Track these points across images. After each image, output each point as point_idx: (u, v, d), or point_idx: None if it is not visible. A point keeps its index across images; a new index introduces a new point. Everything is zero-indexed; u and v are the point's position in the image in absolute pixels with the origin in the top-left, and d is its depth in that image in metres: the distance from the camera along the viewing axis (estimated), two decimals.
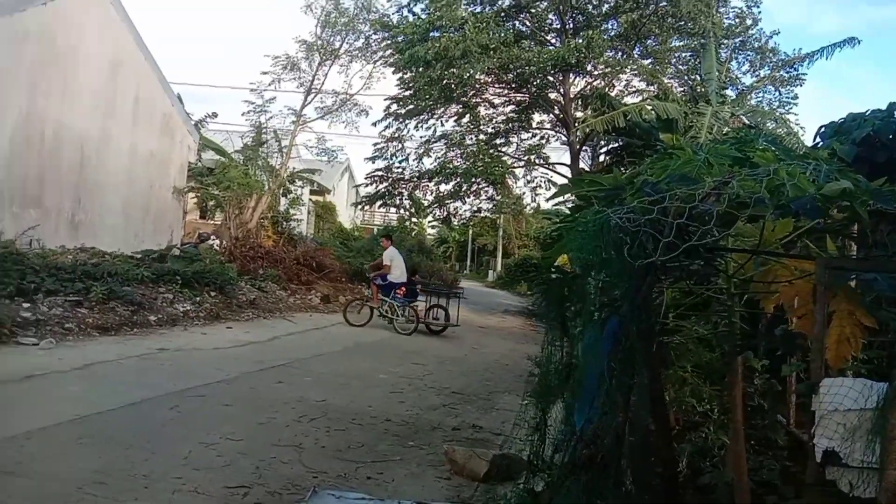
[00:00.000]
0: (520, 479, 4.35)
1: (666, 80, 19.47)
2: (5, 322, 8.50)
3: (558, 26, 21.47)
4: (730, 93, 18.68)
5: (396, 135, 23.24)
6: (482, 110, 23.40)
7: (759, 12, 20.68)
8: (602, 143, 21.45)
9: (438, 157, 23.34)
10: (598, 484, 3.31)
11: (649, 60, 20.63)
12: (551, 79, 21.38)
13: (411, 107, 22.17)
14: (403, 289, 14.02)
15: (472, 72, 18.40)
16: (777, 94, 20.13)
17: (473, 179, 22.75)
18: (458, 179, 22.86)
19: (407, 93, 21.86)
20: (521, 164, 24.40)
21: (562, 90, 21.59)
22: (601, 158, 21.90)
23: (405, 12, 21.17)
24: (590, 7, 20.79)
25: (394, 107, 22.51)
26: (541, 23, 21.74)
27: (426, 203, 25.00)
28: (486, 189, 24.06)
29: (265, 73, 21.27)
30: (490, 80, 21.33)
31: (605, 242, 3.00)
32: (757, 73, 20.71)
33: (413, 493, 4.60)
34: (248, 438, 5.46)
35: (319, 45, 21.30)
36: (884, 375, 2.90)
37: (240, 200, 18.99)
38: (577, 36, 19.66)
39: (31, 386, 6.48)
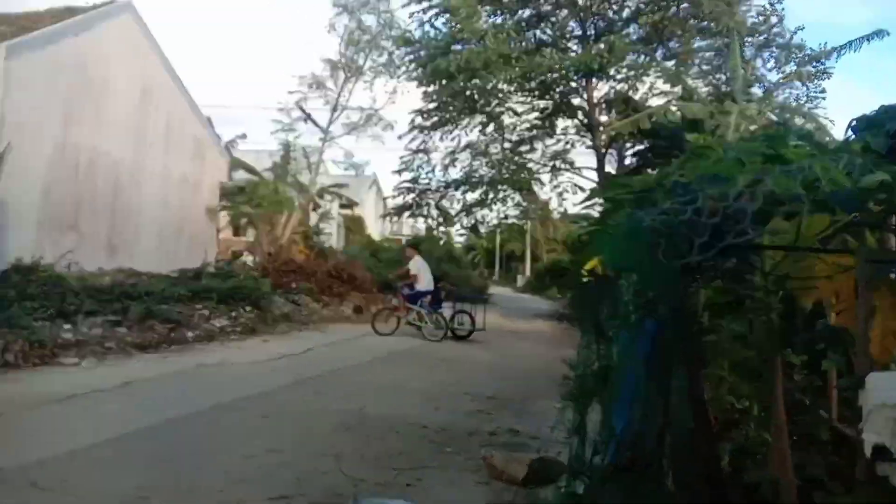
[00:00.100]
0: (560, 483, 4.33)
1: (690, 81, 19.27)
2: (47, 343, 8.71)
3: (579, 33, 21.41)
4: (756, 90, 18.41)
5: (422, 147, 23.36)
6: (506, 119, 23.39)
7: (783, 9, 20.41)
8: (627, 145, 21.27)
9: (464, 167, 23.41)
10: (641, 486, 3.29)
11: (672, 62, 20.43)
12: (574, 84, 21.30)
13: (436, 119, 22.28)
14: (430, 296, 14.08)
15: (494, 82, 18.43)
16: (805, 89, 19.79)
17: (500, 187, 22.75)
18: (485, 188, 22.88)
19: (431, 105, 21.98)
20: (547, 169, 24.33)
21: (585, 95, 21.49)
22: (627, 161, 21.71)
23: (427, 27, 21.33)
24: (610, 13, 20.71)
25: (419, 120, 22.65)
26: (562, 31, 21.70)
27: (453, 212, 25.05)
28: (513, 196, 24.02)
29: (292, 92, 21.62)
30: (513, 88, 21.33)
31: (638, 244, 2.99)
32: (782, 69, 20.41)
33: (453, 499, 4.61)
34: (288, 450, 5.52)
35: (344, 63, 21.60)
36: None
37: (271, 217, 19.31)
38: (598, 41, 19.57)
39: (74, 405, 6.61)
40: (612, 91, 21.54)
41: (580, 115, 22.19)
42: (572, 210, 25.24)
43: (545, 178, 24.44)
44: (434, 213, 24.99)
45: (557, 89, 21.32)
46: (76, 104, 13.93)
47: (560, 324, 19.76)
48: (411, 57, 21.15)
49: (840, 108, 55.34)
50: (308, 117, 21.70)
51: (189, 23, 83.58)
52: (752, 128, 13.41)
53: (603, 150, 21.34)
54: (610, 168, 21.63)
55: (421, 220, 27.08)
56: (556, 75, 19.39)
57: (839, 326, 3.89)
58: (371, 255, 25.78)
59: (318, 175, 22.46)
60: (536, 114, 23.42)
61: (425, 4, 20.72)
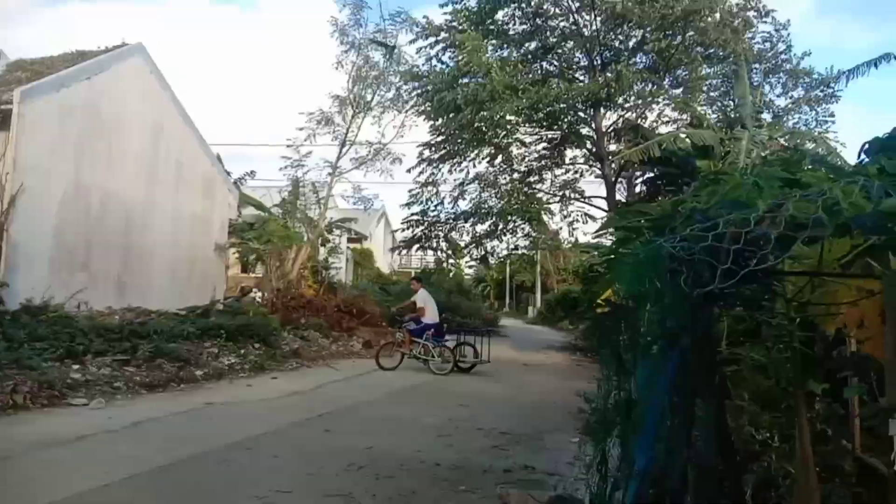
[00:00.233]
0: None
1: (699, 108, 19.32)
2: (56, 384, 8.63)
3: (586, 63, 21.57)
4: (766, 116, 18.42)
5: (430, 179, 23.44)
6: (514, 150, 23.48)
7: (789, 34, 20.53)
8: (637, 173, 21.27)
9: (473, 199, 23.45)
10: None
11: (680, 90, 20.51)
12: (582, 114, 21.41)
13: (444, 151, 22.39)
14: (433, 329, 13.97)
15: (501, 113, 18.52)
16: (814, 113, 19.81)
17: (509, 218, 22.73)
18: (494, 219, 22.88)
19: (439, 138, 22.10)
20: (557, 199, 24.33)
21: (593, 125, 21.57)
22: (637, 189, 21.69)
23: (434, 62, 21.55)
24: (617, 43, 20.88)
25: (427, 153, 22.77)
26: (568, 62, 21.88)
27: (463, 244, 25.03)
28: (523, 226, 23.99)
29: (301, 128, 21.80)
30: (520, 119, 21.45)
31: (658, 272, 2.90)
32: (790, 94, 20.45)
33: None
34: (298, 490, 5.38)
35: (351, 99, 21.81)
36: None
37: (280, 253, 19.30)
38: (605, 71, 19.69)
39: (83, 447, 6.50)
40: (621, 120, 21.61)
41: (588, 144, 22.24)
42: (583, 240, 25.17)
43: (555, 207, 24.47)
44: (443, 245, 24.98)
45: (565, 119, 21.42)
46: (88, 145, 14.07)
47: (573, 355, 19.55)
48: (419, 91, 21.32)
49: (850, 132, 55.33)
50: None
51: (198, 61, 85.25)
52: (763, 153, 13.35)
53: (613, 179, 21.33)
54: (620, 197, 21.61)
55: (430, 252, 27.09)
56: (563, 105, 19.46)
57: (864, 354, 3.77)
58: (380, 289, 25.74)
59: (327, 209, 22.49)
60: (545, 144, 23.51)
61: (432, 40, 21.01)
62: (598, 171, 22.35)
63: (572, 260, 38.74)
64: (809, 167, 4.14)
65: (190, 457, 6.21)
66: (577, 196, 24.09)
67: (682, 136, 16.40)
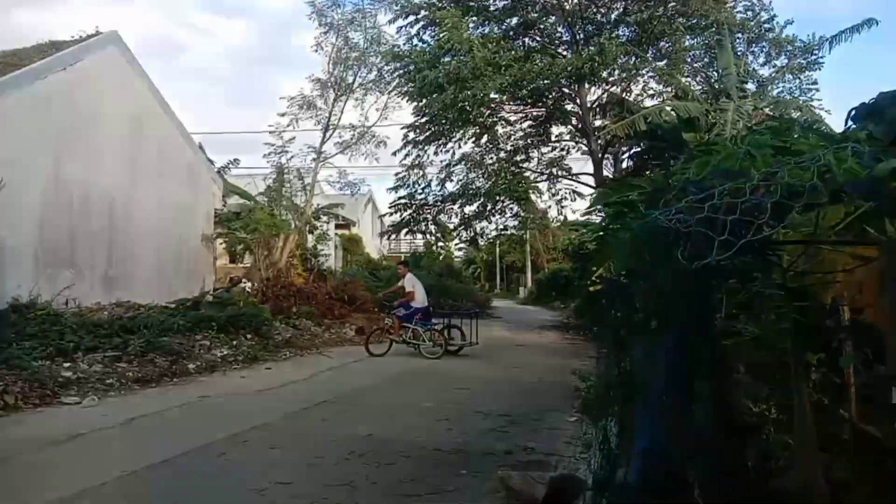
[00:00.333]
0: (580, 500, 4.16)
1: (683, 80, 19.24)
2: (47, 383, 8.54)
3: (568, 38, 21.42)
4: (750, 86, 18.38)
5: (417, 162, 23.28)
6: (499, 129, 23.36)
7: (770, 2, 20.46)
8: (624, 148, 21.22)
9: (460, 180, 23.34)
10: (670, 500, 3.13)
11: (664, 62, 20.42)
12: (566, 90, 21.30)
13: (429, 133, 22.22)
14: (421, 313, 13.94)
15: (485, 91, 18.36)
16: (797, 82, 19.78)
17: (497, 198, 22.66)
18: (482, 199, 22.80)
19: (423, 120, 21.92)
20: (544, 177, 24.27)
21: (578, 100, 21.47)
22: (624, 164, 21.67)
23: (415, 41, 21.32)
24: (598, 16, 20.72)
25: (411, 135, 22.60)
26: (550, 37, 21.71)
27: (452, 226, 24.95)
28: (511, 206, 23.92)
29: (283, 114, 21.52)
30: (505, 98, 21.30)
31: (654, 246, 2.86)
32: (773, 63, 20.41)
33: None
34: (299, 481, 5.34)
35: (333, 82, 21.55)
36: None
37: (268, 241, 19.13)
38: (588, 45, 19.55)
39: (77, 445, 6.44)
40: (606, 94, 21.52)
41: (574, 120, 22.17)
42: (572, 217, 25.15)
43: (543, 186, 24.42)
44: (432, 228, 24.90)
45: (550, 96, 21.30)
46: (67, 138, 13.80)
47: (565, 334, 19.60)
48: (401, 72, 21.11)
49: (833, 99, 55.58)
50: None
51: (178, 48, 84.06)
52: (749, 124, 13.33)
53: (599, 155, 21.28)
54: (607, 173, 21.57)
55: (419, 236, 26.99)
56: (547, 81, 19.33)
57: (865, 321, 3.75)
58: (370, 275, 25.64)
59: (314, 196, 22.29)
60: (530, 122, 23.40)
61: (412, 18, 20.76)
62: (585, 148, 22.30)
63: (561, 238, 38.76)
64: (798, 135, 4.11)
65: (187, 451, 6.15)
66: (564, 174, 24.04)
67: (668, 108, 16.34)
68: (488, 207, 23.38)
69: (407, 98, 21.45)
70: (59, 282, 13.05)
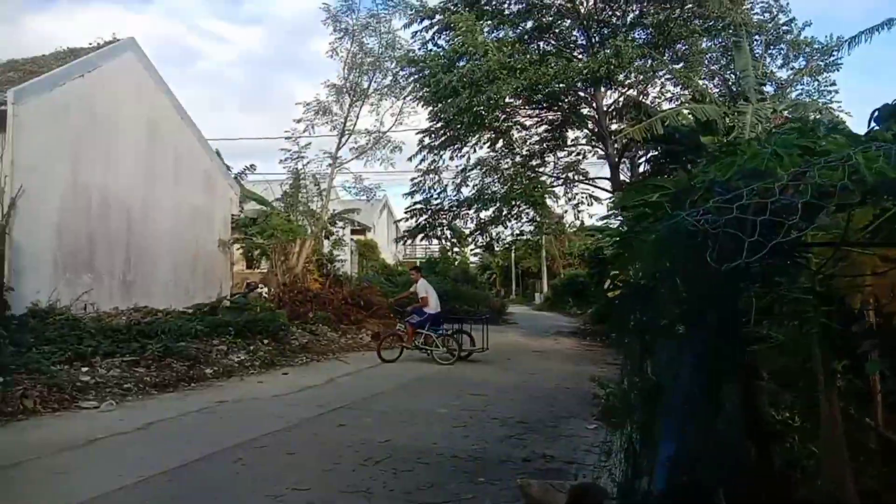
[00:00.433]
0: None
1: (700, 82, 19.06)
2: (66, 388, 8.59)
3: (584, 41, 21.30)
4: (768, 89, 18.17)
5: (432, 167, 23.23)
6: (515, 133, 23.25)
7: (788, 4, 20.25)
8: (641, 152, 21.05)
9: (476, 185, 23.24)
10: None
11: (681, 64, 20.24)
12: (582, 94, 21.16)
13: (444, 137, 22.17)
14: (432, 319, 13.89)
15: (500, 95, 18.28)
16: (816, 84, 19.52)
17: (513, 203, 22.54)
18: (498, 204, 22.69)
19: (438, 125, 21.86)
20: (560, 182, 24.13)
21: (594, 104, 21.33)
22: (641, 169, 21.48)
23: (430, 46, 21.30)
24: (614, 19, 20.60)
25: (427, 140, 22.55)
26: (566, 41, 21.60)
27: (467, 231, 24.85)
28: (527, 211, 23.78)
29: (298, 120, 21.57)
30: (520, 102, 21.20)
31: (681, 248, 2.78)
32: (791, 66, 20.17)
33: None
34: (316, 487, 5.30)
35: (348, 87, 21.59)
36: None
37: (284, 247, 19.18)
38: (604, 47, 19.43)
39: (95, 450, 6.45)
40: (622, 98, 21.35)
41: (590, 124, 22.01)
42: (589, 222, 24.96)
43: (559, 191, 24.27)
44: (447, 233, 24.81)
45: (565, 99, 21.17)
46: (85, 144, 13.94)
47: (582, 340, 19.46)
48: (416, 76, 21.09)
49: (853, 101, 54.89)
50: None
51: (193, 55, 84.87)
52: (768, 127, 13.15)
53: (616, 159, 21.11)
54: (623, 177, 21.40)
55: (435, 241, 26.92)
56: (562, 85, 19.21)
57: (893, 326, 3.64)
58: (386, 280, 25.62)
59: (329, 201, 22.32)
60: (546, 126, 23.28)
61: (426, 23, 20.75)
62: (601, 152, 22.13)
63: (577, 244, 38.53)
64: (826, 135, 4.01)
65: (203, 457, 6.14)
66: (580, 178, 23.89)
67: (685, 111, 16.18)
68: (504, 212, 23.25)
69: (422, 103, 21.40)
70: (78, 287, 13.17)
